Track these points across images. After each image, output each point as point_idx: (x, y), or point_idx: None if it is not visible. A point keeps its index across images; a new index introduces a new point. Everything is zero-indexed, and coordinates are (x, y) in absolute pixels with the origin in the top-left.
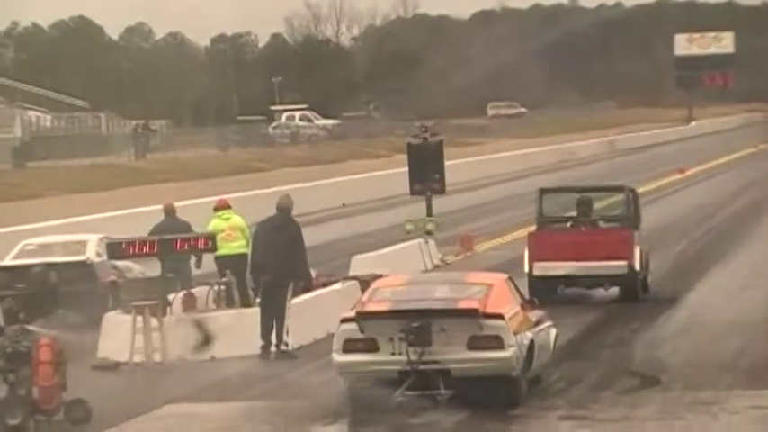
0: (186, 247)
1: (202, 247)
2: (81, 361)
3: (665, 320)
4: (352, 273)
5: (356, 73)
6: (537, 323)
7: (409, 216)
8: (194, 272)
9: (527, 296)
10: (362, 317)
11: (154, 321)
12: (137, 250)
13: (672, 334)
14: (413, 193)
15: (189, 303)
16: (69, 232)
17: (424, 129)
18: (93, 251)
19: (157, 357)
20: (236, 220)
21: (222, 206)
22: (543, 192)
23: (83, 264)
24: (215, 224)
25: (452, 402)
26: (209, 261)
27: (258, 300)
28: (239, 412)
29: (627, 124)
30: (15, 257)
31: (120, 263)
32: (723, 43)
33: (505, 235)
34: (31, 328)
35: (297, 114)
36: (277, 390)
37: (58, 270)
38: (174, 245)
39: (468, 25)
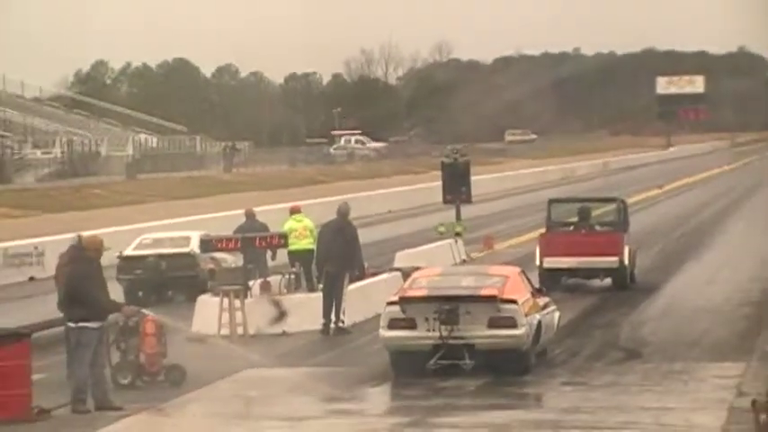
0: (264, 243)
1: (276, 243)
2: (179, 334)
3: (647, 306)
4: (396, 265)
5: (401, 105)
6: (544, 307)
7: (442, 220)
8: (270, 263)
9: (537, 285)
10: (404, 301)
11: (237, 303)
12: (224, 245)
13: (652, 317)
14: (445, 202)
15: (265, 289)
16: (173, 230)
17: (454, 151)
18: (195, 245)
19: (240, 331)
20: (307, 222)
21: (296, 210)
22: (552, 202)
23: (187, 255)
24: (290, 225)
25: (476, 370)
26: (281, 255)
27: (321, 286)
28: (305, 376)
29: (618, 149)
30: (135, 249)
31: (217, 255)
32: (696, 85)
33: (520, 236)
34: (144, 311)
35: (353, 138)
36: (335, 358)
37: (168, 260)
38: (254, 241)
39: (492, 67)
